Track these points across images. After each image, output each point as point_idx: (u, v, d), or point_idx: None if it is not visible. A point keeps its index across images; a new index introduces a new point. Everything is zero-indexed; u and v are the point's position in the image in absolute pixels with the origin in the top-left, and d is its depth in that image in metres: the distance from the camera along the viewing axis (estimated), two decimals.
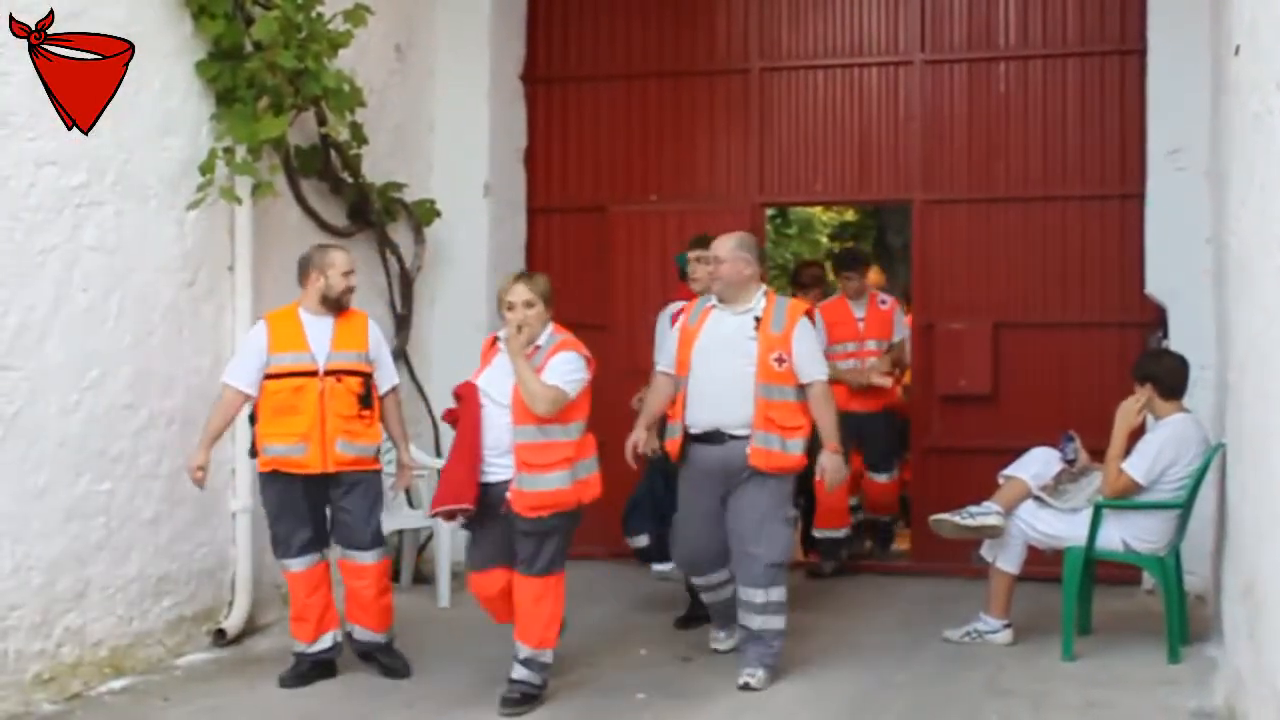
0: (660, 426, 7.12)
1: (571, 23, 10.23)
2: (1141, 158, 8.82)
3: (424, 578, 8.88)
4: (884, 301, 9.81)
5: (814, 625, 7.91)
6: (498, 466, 6.21)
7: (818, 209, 16.00)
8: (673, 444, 6.77)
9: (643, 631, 7.75)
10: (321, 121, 8.13)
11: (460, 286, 9.61)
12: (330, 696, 6.56)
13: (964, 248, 9.48)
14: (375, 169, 8.80)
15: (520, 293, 6.31)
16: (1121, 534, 7.07)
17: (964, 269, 9.47)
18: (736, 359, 6.58)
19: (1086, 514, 7.09)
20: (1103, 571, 7.59)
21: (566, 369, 6.21)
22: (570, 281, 9.94)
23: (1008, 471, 7.37)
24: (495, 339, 6.46)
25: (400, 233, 9.21)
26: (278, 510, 6.74)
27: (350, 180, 8.57)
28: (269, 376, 6.66)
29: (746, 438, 6.50)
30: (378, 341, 6.97)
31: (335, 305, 6.81)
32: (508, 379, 6.21)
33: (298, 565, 6.75)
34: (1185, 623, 7.09)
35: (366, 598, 6.78)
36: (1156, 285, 8.69)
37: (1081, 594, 7.23)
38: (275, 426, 6.65)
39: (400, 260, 9.19)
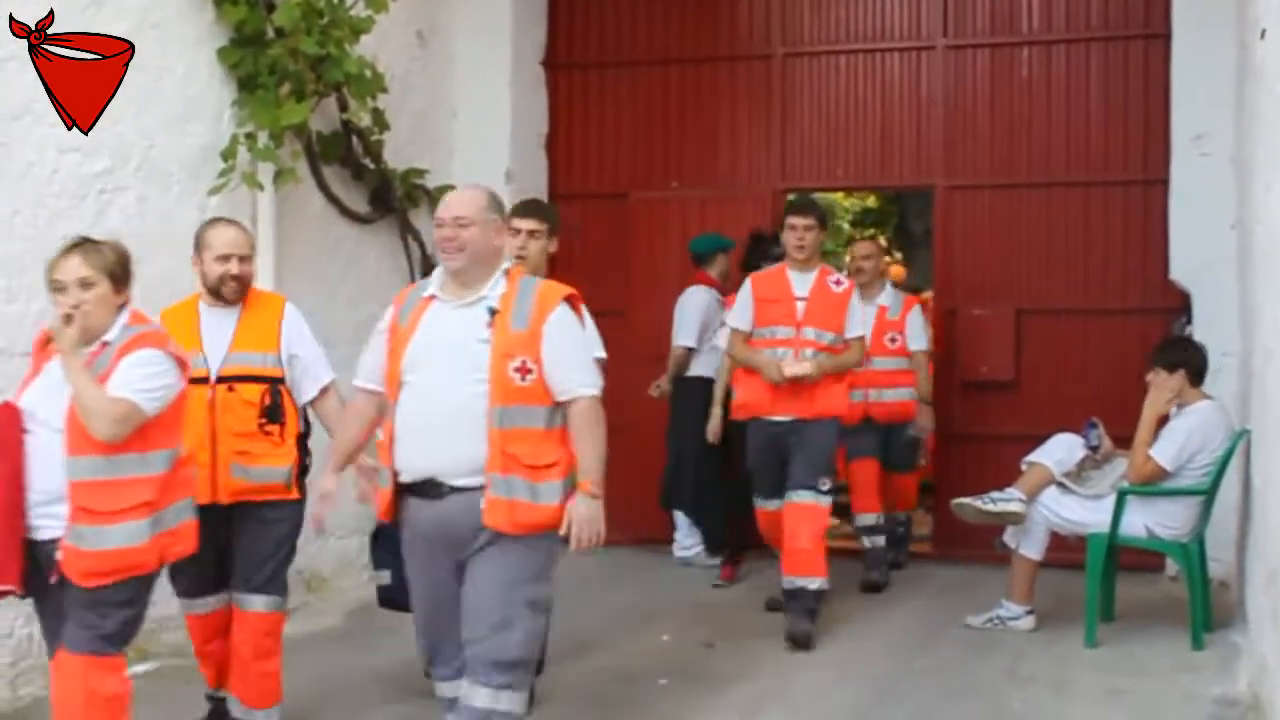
0: None
1: (593, 8, 10.22)
2: (1165, 143, 8.79)
3: None
4: (838, 283, 7.34)
5: (836, 611, 7.90)
6: (48, 517, 4.38)
7: (839, 195, 15.96)
8: (383, 496, 4.72)
9: (665, 617, 7.76)
10: (343, 107, 8.14)
11: None
12: (350, 682, 6.57)
13: (986, 233, 9.46)
14: (397, 155, 8.81)
15: (73, 269, 4.48)
16: (1145, 520, 7.05)
17: (986, 255, 9.45)
18: (461, 373, 4.51)
19: (1110, 500, 7.07)
20: (1126, 558, 7.56)
21: (141, 374, 4.40)
22: (591, 268, 9.96)
23: (1031, 458, 7.35)
24: (48, 335, 4.57)
25: (422, 219, 9.20)
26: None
27: (372, 166, 8.58)
28: None
29: (476, 489, 4.49)
30: (297, 336, 5.59)
31: (219, 296, 5.50)
32: (64, 392, 4.39)
33: (196, 608, 5.56)
34: (1209, 609, 7.07)
35: (243, 656, 5.45)
36: (1180, 271, 8.66)
37: (1104, 580, 7.22)
38: None
39: (422, 246, 9.19)
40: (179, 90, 7.11)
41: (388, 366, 4.67)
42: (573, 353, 4.62)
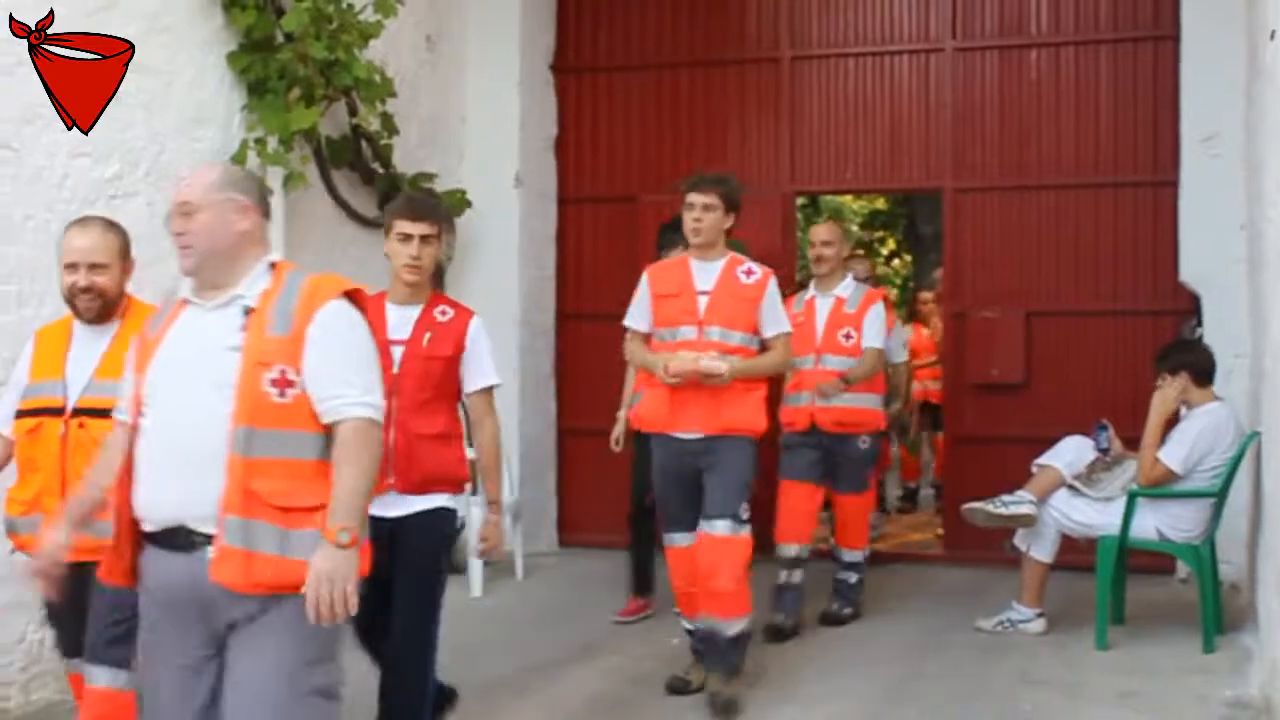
0: None
1: (601, 12, 10.22)
2: (1175, 144, 8.77)
3: (456, 567, 8.87)
4: (749, 272, 6.26)
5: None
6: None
7: (848, 197, 15.98)
8: (110, 556, 3.71)
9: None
10: (352, 112, 8.15)
11: (491, 277, 9.62)
12: (360, 685, 6.56)
13: (996, 236, 9.45)
14: (406, 159, 8.82)
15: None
16: (1156, 523, 7.04)
17: (996, 257, 9.44)
18: (207, 389, 3.53)
19: (1120, 503, 7.06)
20: (1136, 561, 7.55)
21: None
22: (601, 271, 9.98)
23: (1041, 460, 7.34)
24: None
25: None
26: (44, 602, 4.57)
27: (381, 171, 8.59)
28: (19, 414, 4.69)
29: None
30: None
31: (77, 312, 4.69)
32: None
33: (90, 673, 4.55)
34: (1220, 612, 7.06)
35: None
36: (1190, 273, 8.65)
37: (1115, 583, 7.20)
38: (16, 489, 4.68)
39: None
40: (188, 95, 7.12)
41: (132, 387, 3.70)
42: (341, 361, 3.57)
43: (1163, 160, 8.95)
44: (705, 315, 6.10)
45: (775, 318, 6.22)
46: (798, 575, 7.46)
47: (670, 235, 7.40)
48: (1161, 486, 7.00)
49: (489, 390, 5.27)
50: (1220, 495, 7.00)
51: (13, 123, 6.00)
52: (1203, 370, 7.16)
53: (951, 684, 6.49)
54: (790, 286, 9.59)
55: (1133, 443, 7.21)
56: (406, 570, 5.08)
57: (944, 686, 6.45)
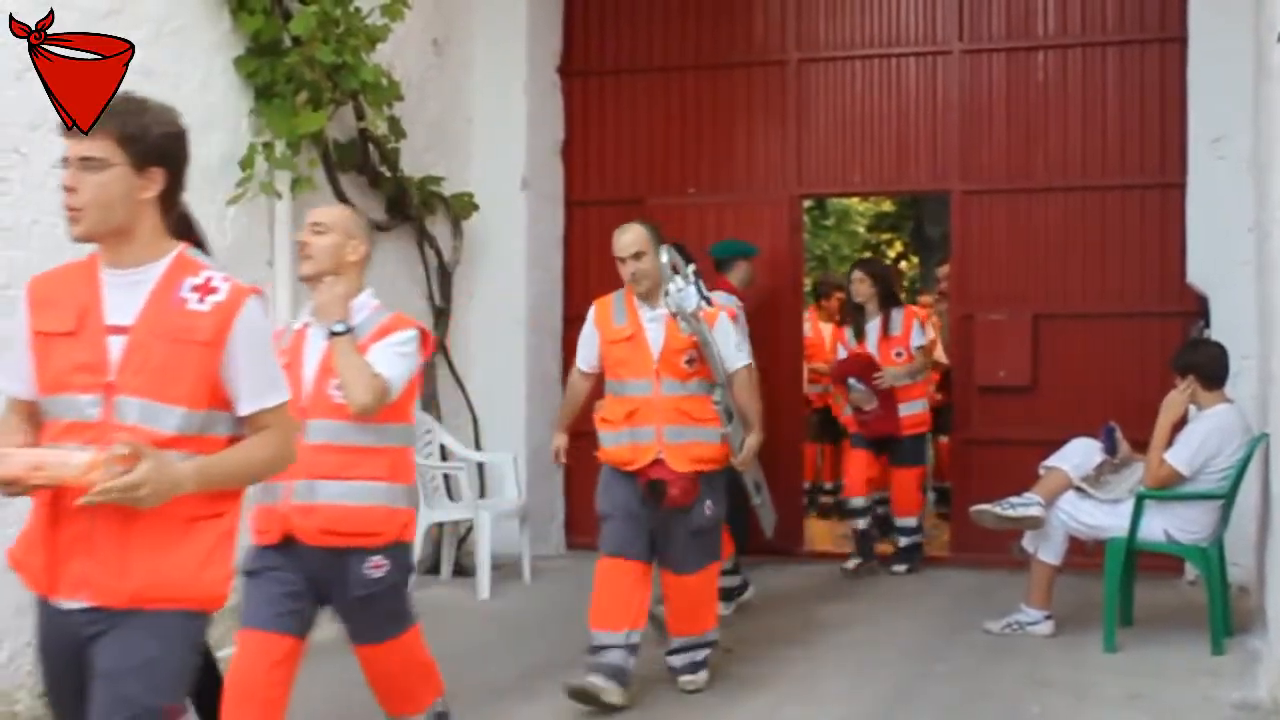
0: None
1: (608, 16, 10.23)
2: (1182, 146, 8.77)
3: (464, 570, 8.91)
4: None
5: (854, 616, 7.91)
6: None
7: (855, 200, 15.98)
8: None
9: None
10: (360, 116, 8.16)
11: (498, 279, 9.64)
12: (369, 689, 6.57)
13: (1003, 238, 9.45)
14: (413, 163, 8.83)
15: None
16: (1164, 525, 7.03)
17: (1003, 259, 9.44)
18: None
19: (1128, 505, 7.05)
20: (1144, 563, 7.54)
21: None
22: (608, 274, 9.95)
23: (1049, 462, 7.33)
24: None
25: (438, 226, 9.24)
26: None
27: (388, 174, 8.60)
28: None
29: None
30: None
31: None
32: None
33: None
34: (1228, 614, 7.05)
35: None
36: (1198, 275, 8.64)
37: (1123, 585, 7.20)
38: None
39: (439, 254, 9.21)
40: (196, 99, 7.13)
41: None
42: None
43: (1170, 162, 8.94)
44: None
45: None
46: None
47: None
48: (1168, 488, 6.99)
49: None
50: (1229, 497, 7.00)
51: (20, 127, 6.01)
52: (1212, 372, 7.15)
53: (959, 685, 6.48)
54: (799, 293, 9.67)
55: (1142, 445, 7.20)
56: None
57: (952, 688, 6.45)
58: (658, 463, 6.07)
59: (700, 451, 6.09)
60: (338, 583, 4.62)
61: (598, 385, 6.47)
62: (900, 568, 9.20)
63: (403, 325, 4.72)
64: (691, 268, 6.26)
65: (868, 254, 12.30)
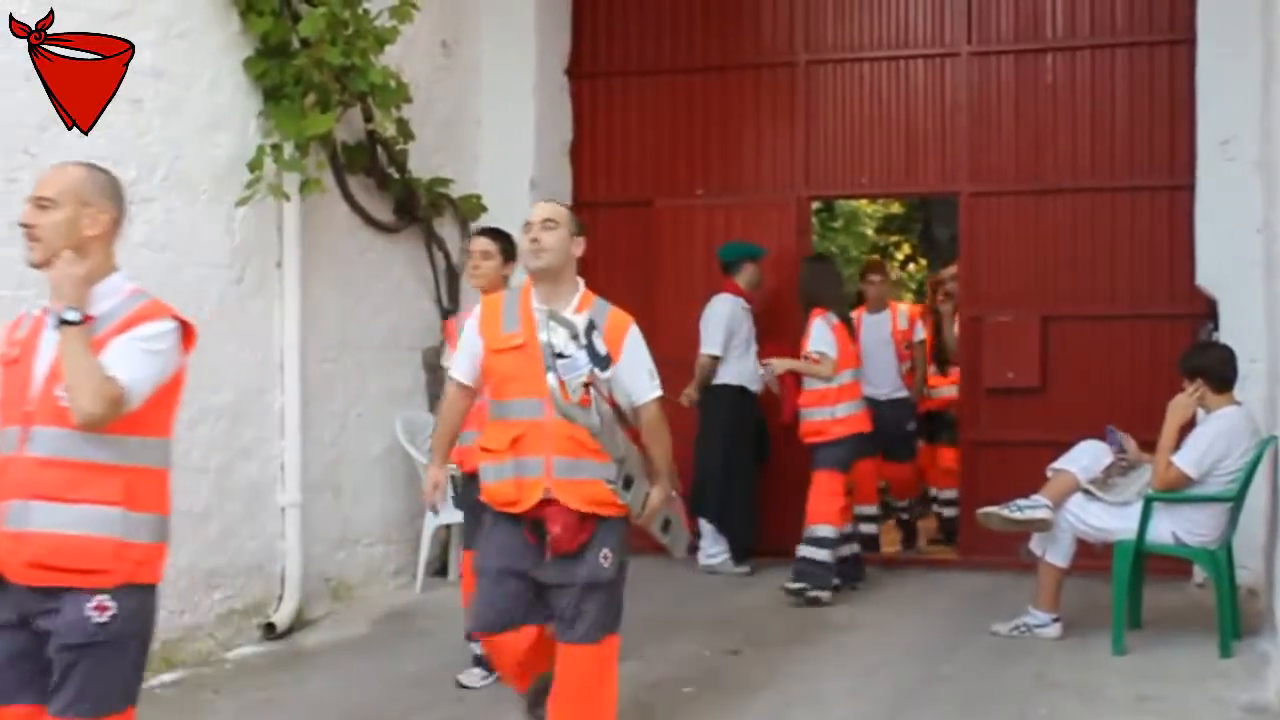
0: None
1: (616, 17, 10.24)
2: (1191, 148, 8.75)
3: None
4: None
5: (862, 618, 7.90)
6: None
7: (864, 201, 15.96)
8: None
9: (690, 625, 7.75)
10: (368, 117, 8.17)
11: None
12: (378, 691, 6.59)
13: (1011, 240, 9.44)
14: (421, 164, 8.84)
15: None
16: (1172, 527, 7.02)
17: (1011, 261, 9.43)
18: None
19: (1136, 507, 7.04)
20: (1153, 565, 7.53)
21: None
22: (616, 275, 9.97)
23: (1056, 465, 7.32)
24: None
25: (446, 228, 9.25)
26: None
27: (397, 176, 8.62)
28: None
29: None
30: None
31: None
32: None
33: None
34: (1237, 616, 7.04)
35: None
36: (1206, 277, 8.62)
37: (1131, 588, 7.19)
38: None
39: (446, 255, 9.22)
40: (205, 101, 7.15)
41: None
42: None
43: (1179, 164, 8.93)
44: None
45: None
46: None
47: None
48: (1176, 490, 6.98)
49: None
50: (1237, 500, 6.99)
51: (30, 128, 6.04)
52: (1220, 375, 7.13)
53: (967, 687, 6.48)
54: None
55: (1151, 447, 7.19)
56: None
57: (960, 689, 6.45)
58: (547, 503, 4.96)
59: (598, 492, 4.91)
60: (54, 631, 3.69)
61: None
62: (794, 585, 8.25)
63: (157, 315, 3.82)
64: (583, 319, 4.98)
65: (875, 256, 12.24)
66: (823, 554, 8.22)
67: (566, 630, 5.00)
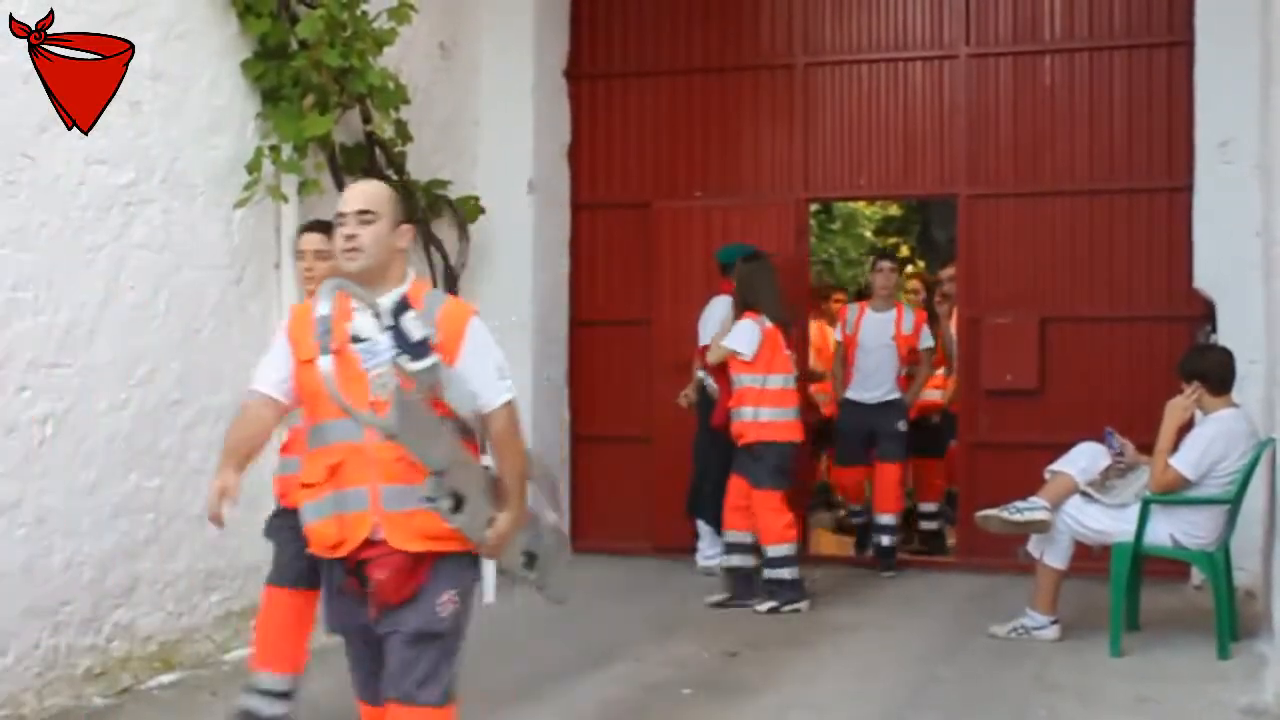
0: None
1: (615, 19, 10.23)
2: (1189, 150, 8.76)
3: None
4: None
5: (861, 620, 7.90)
6: None
7: (862, 204, 15.96)
8: None
9: (688, 627, 7.75)
10: (366, 119, 8.16)
11: (505, 282, 9.63)
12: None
13: (1010, 242, 9.44)
14: (420, 166, 8.83)
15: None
16: (1170, 529, 7.02)
17: (1010, 263, 9.43)
18: None
19: (1134, 509, 7.04)
20: (1151, 567, 7.54)
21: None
22: (615, 277, 10.00)
23: (1054, 467, 7.32)
24: None
25: (445, 229, 9.24)
26: None
27: (395, 177, 8.59)
28: None
29: None
30: None
31: None
32: None
33: None
34: (1235, 618, 7.04)
35: None
36: (1205, 279, 8.62)
37: (1129, 589, 7.19)
38: None
39: (445, 257, 9.21)
40: (204, 102, 7.14)
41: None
42: None
43: (1177, 166, 8.93)
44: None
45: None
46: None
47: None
48: (1173, 492, 6.99)
49: None
50: (1235, 501, 6.99)
51: (30, 130, 6.03)
52: (1218, 378, 7.14)
53: (966, 689, 6.48)
54: (806, 296, 9.63)
55: (1148, 449, 7.19)
56: None
57: (958, 691, 6.45)
58: (374, 544, 4.09)
59: (434, 523, 4.06)
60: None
61: None
62: (713, 598, 8.33)
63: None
64: (391, 298, 4.11)
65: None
66: (785, 572, 8.13)
67: (398, 687, 4.17)
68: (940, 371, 10.48)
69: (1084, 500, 7.19)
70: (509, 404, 4.20)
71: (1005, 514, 7.20)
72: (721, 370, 8.49)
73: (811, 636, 7.52)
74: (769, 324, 8.24)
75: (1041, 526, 7.17)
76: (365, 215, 4.17)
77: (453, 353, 4.11)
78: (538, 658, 6.96)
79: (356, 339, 4.04)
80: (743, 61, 9.98)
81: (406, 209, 4.37)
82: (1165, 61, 9.09)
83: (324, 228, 5.37)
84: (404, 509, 4.05)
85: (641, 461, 9.68)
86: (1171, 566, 7.77)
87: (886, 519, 9.40)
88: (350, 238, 4.15)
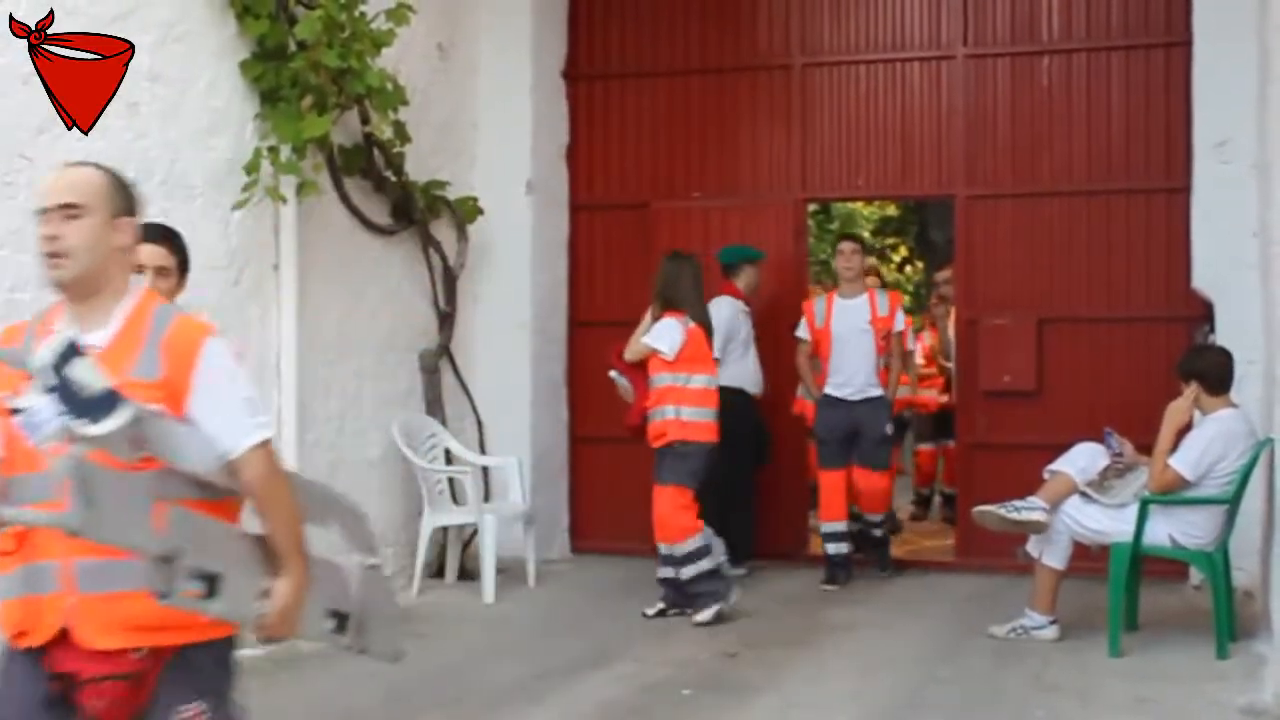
0: None
1: (613, 20, 10.24)
2: (1187, 150, 8.76)
3: (469, 574, 8.91)
4: None
5: (860, 621, 7.91)
6: None
7: (860, 204, 15.98)
8: None
9: (687, 627, 7.75)
10: (365, 120, 8.17)
11: (503, 283, 9.64)
12: (376, 692, 6.58)
13: (1007, 243, 9.44)
14: (418, 167, 8.84)
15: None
16: (1169, 529, 7.03)
17: (1007, 264, 9.43)
18: None
19: (1133, 509, 7.05)
20: (1149, 567, 7.55)
21: None
22: (613, 278, 10.00)
23: (1053, 467, 7.33)
24: None
25: (443, 230, 9.24)
26: None
27: (393, 178, 8.61)
28: None
29: None
30: None
31: None
32: None
33: None
34: (1233, 618, 7.04)
35: None
36: (1203, 279, 8.63)
37: (1128, 590, 7.20)
38: None
39: (444, 258, 9.22)
40: (202, 104, 7.15)
41: None
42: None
43: (1175, 167, 8.94)
44: None
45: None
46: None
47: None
48: (1172, 492, 6.99)
49: None
50: (1233, 502, 6.99)
51: (28, 131, 6.03)
52: (1216, 378, 7.15)
53: (965, 690, 6.48)
54: (805, 296, 9.60)
55: (1146, 449, 7.20)
56: None
57: (958, 692, 6.45)
58: (66, 637, 3.07)
59: (150, 611, 2.99)
60: None
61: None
62: (651, 610, 8.01)
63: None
64: (53, 346, 3.00)
65: (870, 259, 12.14)
66: (697, 567, 7.81)
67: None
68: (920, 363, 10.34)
69: (1083, 500, 7.20)
70: (263, 444, 3.17)
71: (1003, 511, 7.20)
72: (637, 369, 8.20)
73: (811, 637, 7.52)
74: (692, 324, 8.05)
75: (1038, 527, 7.17)
76: (71, 210, 3.29)
77: (181, 390, 3.14)
78: (537, 658, 6.96)
79: (14, 410, 2.97)
80: (741, 62, 9.99)
81: (125, 197, 3.46)
82: (1163, 62, 9.09)
83: (170, 238, 4.61)
84: (105, 590, 3.02)
85: (641, 462, 9.65)
86: (1170, 566, 7.77)
87: (876, 517, 9.32)
88: (51, 239, 3.26)
